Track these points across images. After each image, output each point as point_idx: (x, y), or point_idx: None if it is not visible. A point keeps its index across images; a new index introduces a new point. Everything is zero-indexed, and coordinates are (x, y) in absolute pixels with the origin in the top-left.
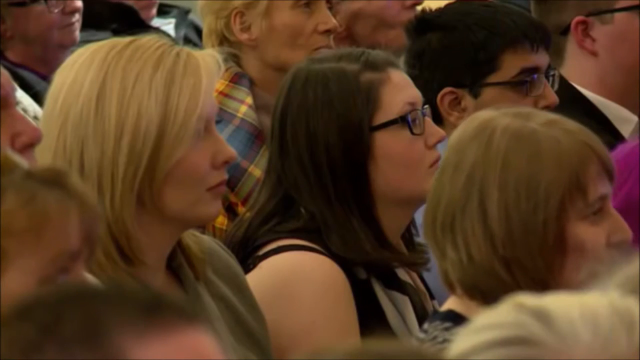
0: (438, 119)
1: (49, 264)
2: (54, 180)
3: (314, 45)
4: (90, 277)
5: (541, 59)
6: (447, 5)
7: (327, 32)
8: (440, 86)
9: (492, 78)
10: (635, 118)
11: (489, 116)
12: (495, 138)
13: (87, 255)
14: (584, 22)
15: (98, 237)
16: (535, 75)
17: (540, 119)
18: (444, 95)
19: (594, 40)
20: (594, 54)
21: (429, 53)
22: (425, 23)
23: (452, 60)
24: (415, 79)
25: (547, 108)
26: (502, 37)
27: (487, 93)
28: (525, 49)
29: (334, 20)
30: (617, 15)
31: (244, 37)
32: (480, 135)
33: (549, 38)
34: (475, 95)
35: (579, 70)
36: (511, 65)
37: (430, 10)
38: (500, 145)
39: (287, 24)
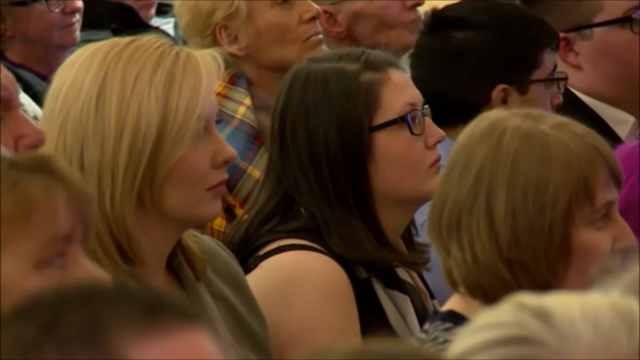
0: (467, 116)
1: (43, 248)
2: (38, 166)
3: (304, 35)
4: (89, 262)
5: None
6: (477, 7)
7: (313, 19)
8: (493, 82)
9: (536, 75)
10: (632, 118)
11: (498, 116)
12: (506, 139)
13: (81, 237)
14: (565, 38)
15: (91, 219)
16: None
17: (551, 121)
18: (497, 93)
19: (577, 54)
20: (578, 67)
21: (477, 48)
22: (454, 20)
23: (505, 56)
24: (454, 73)
25: (557, 106)
26: (544, 35)
27: (532, 90)
28: (554, 49)
29: (316, 6)
30: (596, 30)
31: (233, 48)
32: (490, 135)
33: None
34: (523, 92)
35: (570, 79)
36: (548, 63)
37: (449, 7)
38: (510, 146)
39: (272, 24)
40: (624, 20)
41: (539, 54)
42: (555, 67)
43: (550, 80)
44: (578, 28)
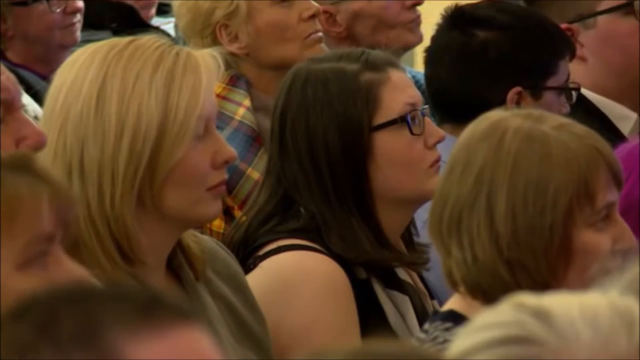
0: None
1: (25, 249)
2: (21, 165)
3: (304, 33)
4: (70, 262)
5: None
6: (504, 7)
7: (313, 17)
8: (509, 83)
9: (551, 82)
10: (634, 115)
11: (499, 117)
12: (506, 139)
13: (61, 237)
14: (569, 29)
15: (72, 218)
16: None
17: (552, 122)
18: (512, 94)
19: (582, 45)
20: (583, 59)
21: (498, 49)
22: (482, 18)
23: (524, 59)
24: (471, 71)
25: None
26: (562, 43)
27: (546, 96)
28: (568, 59)
29: (315, 5)
30: (600, 18)
31: (234, 47)
32: (491, 135)
33: None
34: (537, 97)
35: (573, 74)
36: (563, 71)
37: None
38: (511, 146)
39: (272, 22)
40: (627, 6)
41: (556, 62)
42: (568, 76)
43: (564, 89)
44: (582, 18)
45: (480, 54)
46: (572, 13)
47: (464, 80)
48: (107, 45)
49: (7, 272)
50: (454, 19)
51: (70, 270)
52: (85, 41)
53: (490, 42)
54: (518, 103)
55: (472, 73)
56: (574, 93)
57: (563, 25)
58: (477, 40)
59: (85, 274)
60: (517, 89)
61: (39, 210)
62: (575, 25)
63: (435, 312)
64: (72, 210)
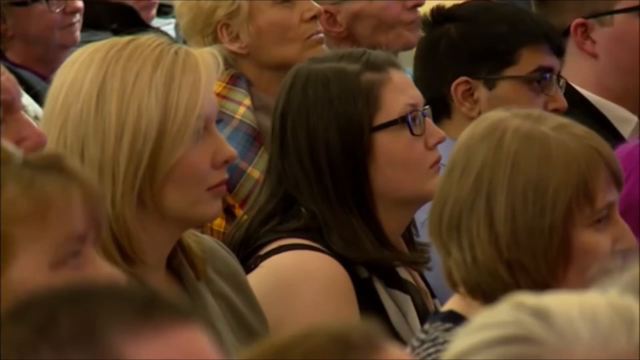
0: (446, 111)
1: (58, 248)
2: (51, 165)
3: (305, 34)
4: (103, 262)
5: (556, 63)
6: (467, 2)
7: (314, 18)
8: (455, 75)
9: (509, 72)
10: (635, 118)
11: (499, 117)
12: (506, 140)
13: (94, 237)
14: (583, 25)
15: (103, 218)
16: (548, 75)
17: (551, 122)
18: (458, 85)
19: (594, 42)
20: (594, 56)
21: (447, 41)
22: (444, 14)
23: (470, 50)
24: (427, 67)
25: (556, 111)
26: (524, 32)
27: (502, 86)
28: (544, 49)
29: (317, 6)
30: (617, 17)
31: (235, 46)
32: (490, 136)
33: (564, 46)
34: (490, 87)
35: (578, 71)
36: (528, 61)
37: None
38: (511, 147)
39: (273, 22)
40: None
41: (515, 51)
42: (545, 68)
43: (523, 78)
44: (599, 14)
45: (434, 48)
46: (589, 9)
47: (423, 76)
48: (106, 45)
49: (40, 270)
50: (428, 19)
51: (103, 270)
52: (85, 41)
53: (442, 35)
54: (471, 94)
55: (425, 68)
56: (539, 83)
57: (576, 21)
58: (433, 35)
59: (119, 274)
60: (462, 78)
61: (70, 209)
62: (590, 21)
63: (436, 312)
64: (102, 209)
